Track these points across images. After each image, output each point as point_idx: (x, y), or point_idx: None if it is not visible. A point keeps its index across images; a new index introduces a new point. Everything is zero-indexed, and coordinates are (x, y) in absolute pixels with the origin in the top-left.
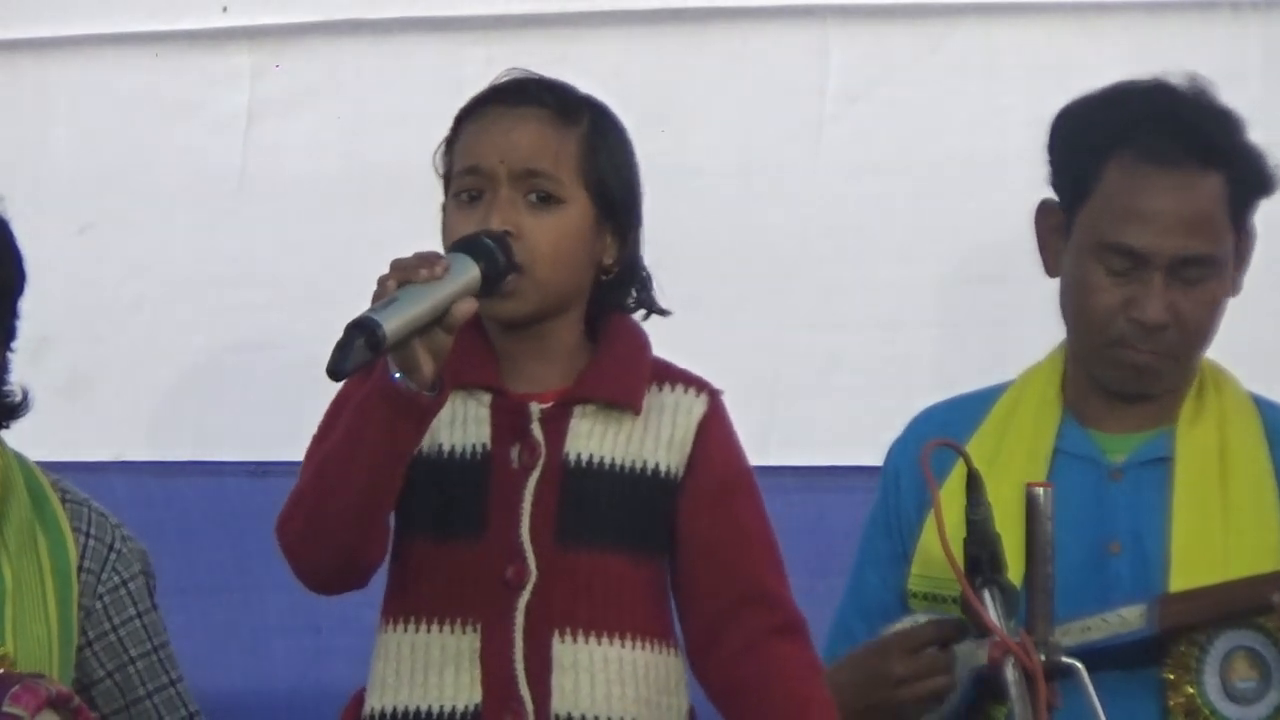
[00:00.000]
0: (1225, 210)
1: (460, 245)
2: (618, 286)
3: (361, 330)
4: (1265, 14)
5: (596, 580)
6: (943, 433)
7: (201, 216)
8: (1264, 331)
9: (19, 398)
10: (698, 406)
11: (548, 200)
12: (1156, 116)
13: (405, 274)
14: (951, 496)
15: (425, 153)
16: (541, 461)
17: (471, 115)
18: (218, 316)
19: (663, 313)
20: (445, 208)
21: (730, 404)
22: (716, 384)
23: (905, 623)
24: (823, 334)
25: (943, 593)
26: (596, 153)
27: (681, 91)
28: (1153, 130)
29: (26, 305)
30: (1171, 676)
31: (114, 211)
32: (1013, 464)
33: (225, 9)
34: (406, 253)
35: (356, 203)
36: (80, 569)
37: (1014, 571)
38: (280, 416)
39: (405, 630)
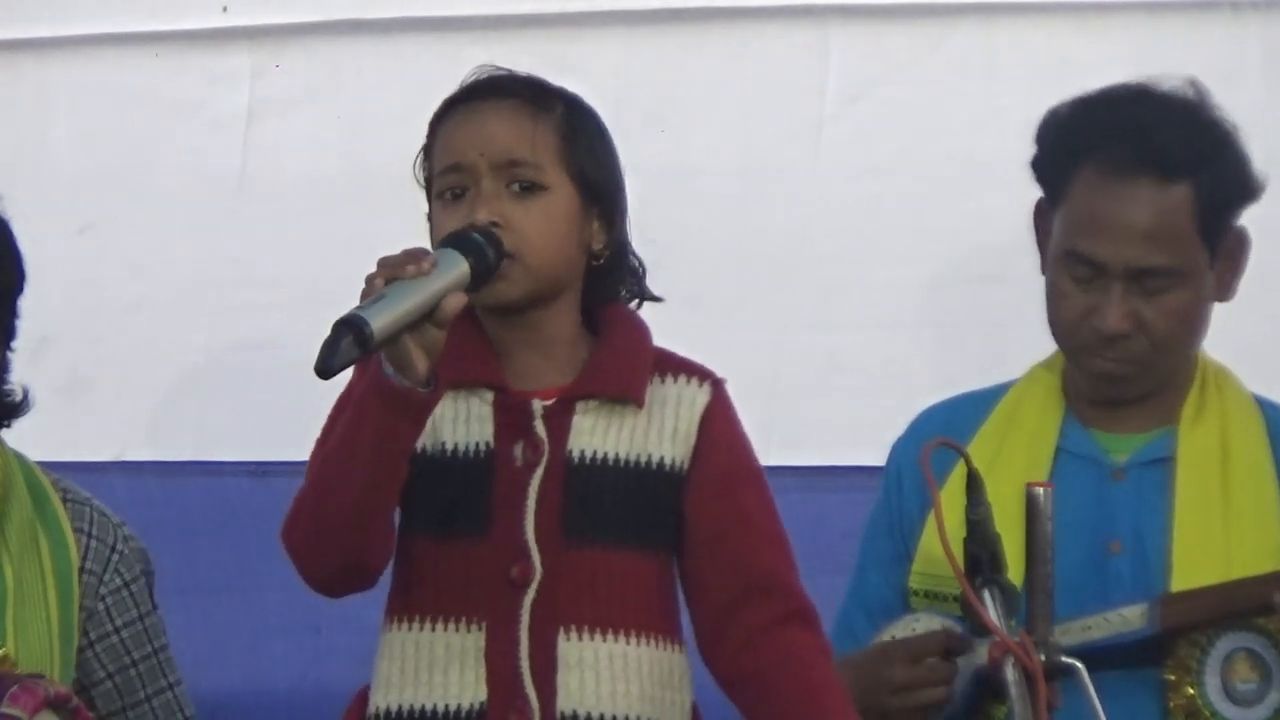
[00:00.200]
0: (1192, 221)
1: (448, 240)
2: (609, 273)
3: (349, 328)
4: (1265, 14)
5: (601, 577)
6: (945, 432)
7: (201, 216)
8: (1264, 331)
9: (19, 397)
10: (701, 397)
11: (531, 188)
12: (1125, 127)
13: (393, 271)
14: (952, 496)
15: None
16: (545, 459)
17: (445, 116)
18: (218, 316)
19: (655, 299)
20: (431, 211)
21: None
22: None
23: (905, 621)
24: (823, 334)
25: (944, 591)
26: (574, 137)
27: (681, 91)
28: (1119, 141)
29: (26, 305)
30: (1172, 677)
31: (114, 211)
32: (1014, 463)
33: (225, 9)
34: None
35: (356, 203)
36: (82, 570)
37: (1014, 571)
38: (280, 416)
39: (409, 629)
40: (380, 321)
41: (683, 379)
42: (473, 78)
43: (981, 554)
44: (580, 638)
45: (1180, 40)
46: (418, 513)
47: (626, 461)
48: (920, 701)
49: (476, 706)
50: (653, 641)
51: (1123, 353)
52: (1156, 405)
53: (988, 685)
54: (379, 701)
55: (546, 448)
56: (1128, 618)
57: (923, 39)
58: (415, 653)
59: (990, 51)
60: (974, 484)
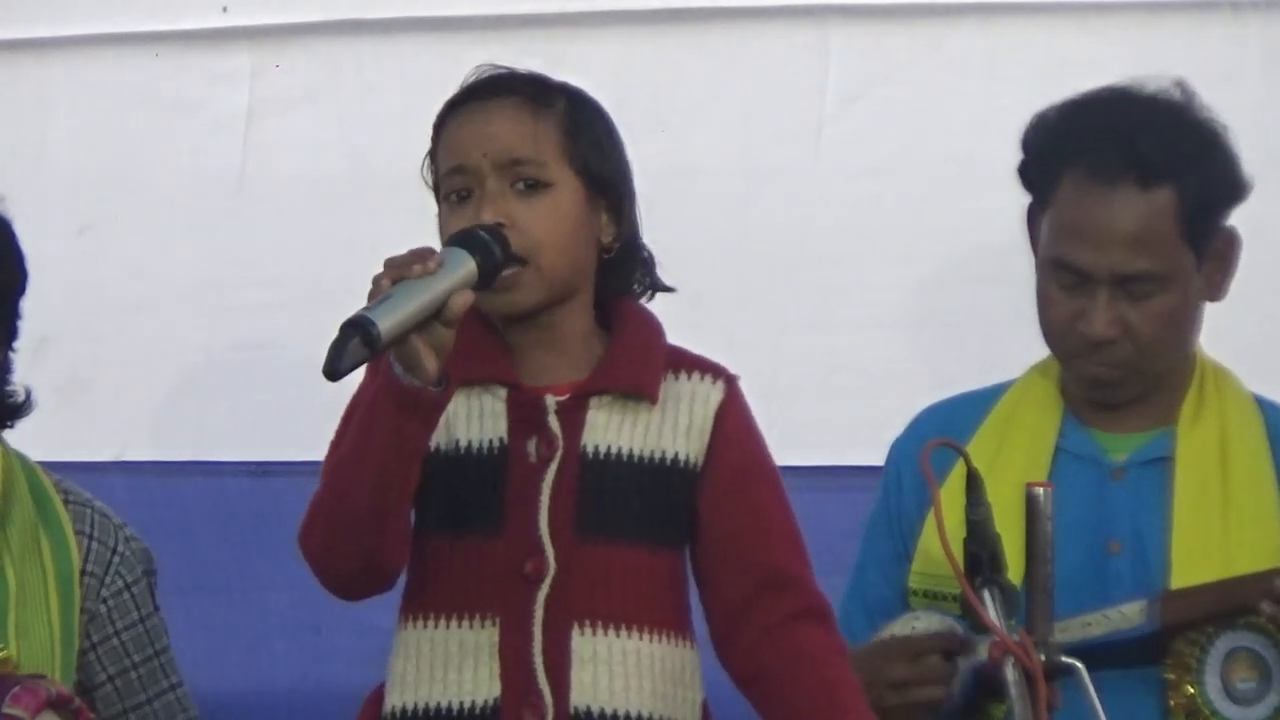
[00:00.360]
0: (1175, 225)
1: (454, 239)
2: (621, 266)
3: (356, 329)
4: (1265, 14)
5: (615, 573)
6: (944, 432)
7: (201, 216)
8: (1264, 331)
9: (21, 398)
10: (715, 394)
11: (535, 186)
12: (1106, 132)
13: (399, 271)
14: (952, 496)
15: (425, 153)
16: (559, 454)
17: (447, 118)
18: (218, 316)
19: (668, 289)
20: (439, 214)
21: None
22: None
23: (904, 620)
24: (823, 334)
25: (943, 591)
26: (577, 131)
27: (681, 91)
28: (1101, 147)
29: (26, 305)
30: (1172, 676)
31: (114, 211)
32: (1014, 463)
33: (225, 9)
34: None
35: (356, 203)
36: (83, 572)
37: (1014, 571)
38: (280, 416)
39: (424, 627)
40: (387, 322)
41: (696, 375)
42: (473, 77)
43: (981, 554)
44: (593, 633)
45: (1179, 40)
46: (431, 510)
47: (640, 457)
48: (917, 700)
49: (491, 702)
50: (665, 638)
51: (1110, 358)
52: (1155, 405)
53: (987, 685)
54: (394, 700)
55: (560, 443)
56: (1127, 614)
57: (923, 39)
58: (430, 650)
59: (990, 51)
60: (974, 484)
